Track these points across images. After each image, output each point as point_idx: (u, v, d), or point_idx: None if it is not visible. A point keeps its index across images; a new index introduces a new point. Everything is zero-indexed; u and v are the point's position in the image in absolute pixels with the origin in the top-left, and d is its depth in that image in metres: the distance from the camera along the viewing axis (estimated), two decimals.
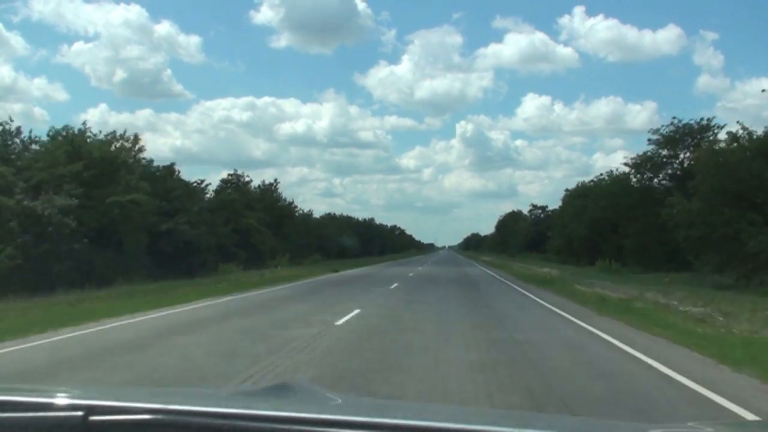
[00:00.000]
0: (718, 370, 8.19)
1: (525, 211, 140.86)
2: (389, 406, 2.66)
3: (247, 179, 63.56)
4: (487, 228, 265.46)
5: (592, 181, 63.42)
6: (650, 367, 8.49)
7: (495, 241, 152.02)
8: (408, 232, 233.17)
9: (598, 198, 54.83)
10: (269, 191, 63.39)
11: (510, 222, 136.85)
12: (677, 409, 6.20)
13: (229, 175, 63.19)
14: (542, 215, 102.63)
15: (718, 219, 26.67)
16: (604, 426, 2.30)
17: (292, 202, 79.53)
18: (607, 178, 57.91)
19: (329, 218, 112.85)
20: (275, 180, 64.54)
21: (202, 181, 53.69)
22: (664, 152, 43.72)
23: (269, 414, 1.62)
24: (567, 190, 70.46)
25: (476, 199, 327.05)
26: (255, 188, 63.34)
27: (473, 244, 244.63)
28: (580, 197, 60.95)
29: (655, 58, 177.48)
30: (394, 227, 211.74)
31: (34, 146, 32.36)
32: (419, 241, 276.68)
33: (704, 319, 13.47)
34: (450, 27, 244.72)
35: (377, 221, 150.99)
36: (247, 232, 48.85)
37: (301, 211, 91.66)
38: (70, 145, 29.48)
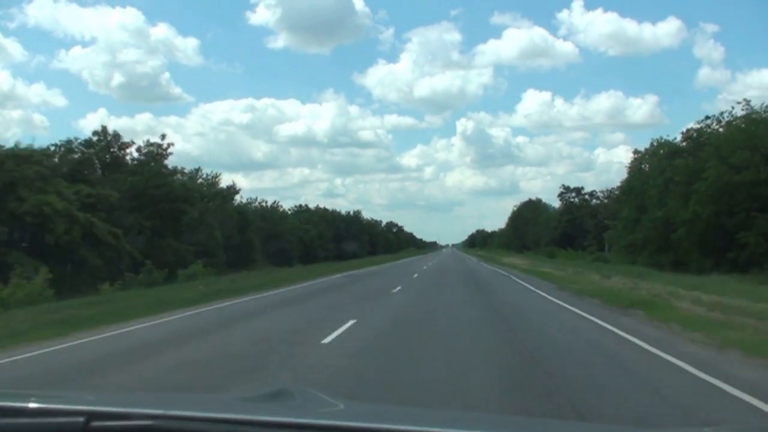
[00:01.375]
0: None
1: (544, 199, 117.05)
2: (390, 412, 2.53)
3: (126, 141, 38.67)
4: (491, 224, 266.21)
5: (690, 132, 37.75)
6: None
7: (507, 237, 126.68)
8: (409, 230, 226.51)
9: (729, 149, 29.75)
10: (151, 160, 38.21)
11: (527, 213, 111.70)
12: None
13: (94, 133, 38.20)
14: (577, 199, 77.40)
15: None
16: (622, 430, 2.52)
17: (217, 180, 54.82)
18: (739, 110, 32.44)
19: (299, 211, 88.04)
20: (162, 137, 39.24)
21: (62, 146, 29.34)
22: None
23: (270, 420, 1.62)
24: (636, 152, 45.01)
25: (478, 197, 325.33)
26: (136, 156, 38.49)
27: (479, 241, 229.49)
28: (679, 154, 35.50)
29: (656, 51, 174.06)
30: (391, 224, 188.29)
31: None
32: (420, 240, 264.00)
33: None
34: (448, 24, 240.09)
35: (369, 216, 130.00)
36: (41, 222, 23.81)
37: (248, 202, 67.03)
38: None
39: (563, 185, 78.28)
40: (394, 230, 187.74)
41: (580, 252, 65.93)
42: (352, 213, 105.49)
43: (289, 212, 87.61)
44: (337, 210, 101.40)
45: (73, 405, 1.73)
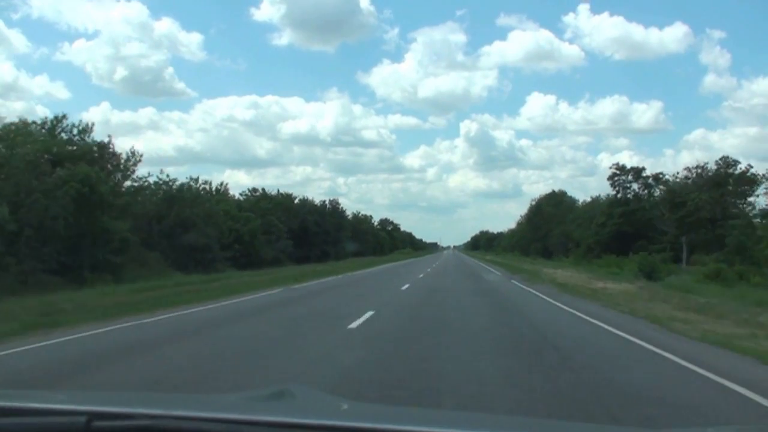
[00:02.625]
0: None
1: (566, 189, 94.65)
2: (392, 412, 2.48)
3: None
4: (494, 227, 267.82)
5: None
6: None
7: (523, 238, 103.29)
8: (410, 230, 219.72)
9: None
10: None
11: (549, 208, 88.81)
12: None
13: None
14: (636, 184, 54.05)
15: None
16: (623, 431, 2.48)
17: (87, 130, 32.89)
18: None
19: (249, 198, 65.20)
20: None
21: None
22: None
23: (271, 420, 1.60)
24: None
25: (481, 199, 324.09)
26: None
27: (483, 243, 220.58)
28: None
29: (662, 56, 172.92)
30: (386, 221, 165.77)
31: None
32: (420, 240, 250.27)
33: None
34: (454, 24, 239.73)
35: (355, 209, 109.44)
36: None
37: (167, 182, 43.81)
38: None
39: (616, 165, 54.57)
40: (389, 228, 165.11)
41: (650, 257, 43.01)
42: (327, 202, 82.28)
43: (242, 197, 65.06)
44: (309, 198, 78.57)
45: (74, 405, 1.75)
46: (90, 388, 6.36)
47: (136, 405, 1.76)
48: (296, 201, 75.70)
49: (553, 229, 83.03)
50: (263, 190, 69.43)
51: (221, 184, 60.78)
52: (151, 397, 3.28)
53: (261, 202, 59.06)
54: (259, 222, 52.39)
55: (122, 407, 1.70)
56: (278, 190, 72.15)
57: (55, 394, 2.69)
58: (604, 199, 66.42)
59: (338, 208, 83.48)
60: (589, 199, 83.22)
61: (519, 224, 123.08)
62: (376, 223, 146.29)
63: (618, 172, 53.27)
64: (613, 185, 53.30)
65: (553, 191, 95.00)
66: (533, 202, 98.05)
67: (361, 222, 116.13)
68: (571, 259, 57.31)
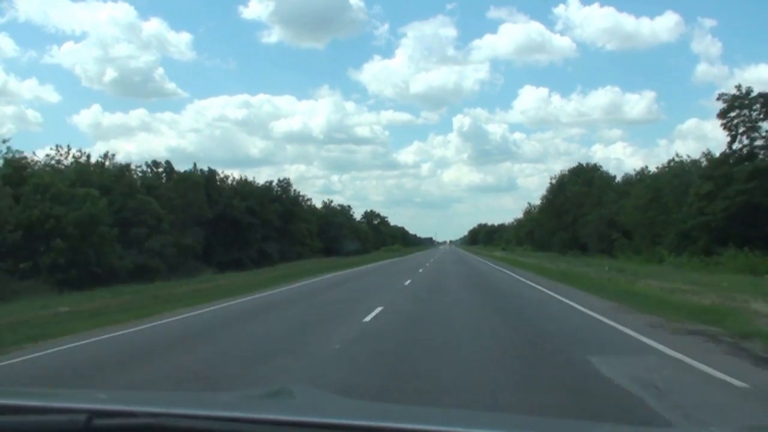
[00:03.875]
0: None
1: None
2: (391, 410, 2.47)
3: None
4: (490, 220, 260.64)
5: None
6: None
7: (541, 227, 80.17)
8: (404, 225, 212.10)
9: None
10: None
11: (576, 187, 66.20)
12: None
13: None
14: None
15: None
16: (623, 430, 2.53)
17: None
18: None
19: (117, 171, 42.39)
20: None
21: None
22: None
23: (272, 418, 1.61)
24: None
25: (476, 194, 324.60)
26: None
27: (482, 237, 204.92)
28: None
29: (653, 46, 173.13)
30: (372, 213, 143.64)
31: None
32: (414, 235, 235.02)
33: None
34: (444, 18, 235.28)
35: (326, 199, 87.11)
36: None
37: None
38: None
39: (735, 90, 31.16)
40: (376, 222, 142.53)
41: None
42: (275, 184, 59.23)
43: (143, 172, 42.42)
44: (250, 179, 55.69)
45: (74, 403, 1.75)
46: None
47: (136, 403, 1.74)
48: (230, 182, 53.22)
49: (585, 214, 60.53)
50: (168, 162, 46.74)
51: (105, 154, 38.70)
52: (151, 395, 3.27)
53: (126, 177, 35.72)
54: (106, 203, 29.34)
55: (123, 405, 1.69)
56: (195, 164, 49.39)
57: (55, 392, 2.78)
58: (678, 162, 43.90)
59: (290, 191, 60.50)
60: (632, 173, 61.21)
61: (526, 213, 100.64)
62: (359, 216, 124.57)
63: (736, 104, 30.30)
64: (726, 126, 30.31)
65: (580, 165, 72.06)
66: (552, 181, 75.09)
67: (335, 213, 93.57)
68: (646, 257, 34.49)
